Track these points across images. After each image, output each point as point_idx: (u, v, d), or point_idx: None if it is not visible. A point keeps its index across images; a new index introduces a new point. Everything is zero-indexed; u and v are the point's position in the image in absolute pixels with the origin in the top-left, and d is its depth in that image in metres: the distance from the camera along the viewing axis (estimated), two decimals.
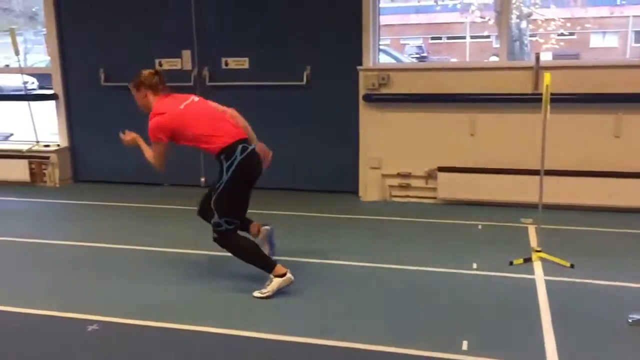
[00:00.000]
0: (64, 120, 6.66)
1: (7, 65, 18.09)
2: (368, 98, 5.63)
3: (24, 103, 6.84)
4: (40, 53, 16.79)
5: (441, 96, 5.51)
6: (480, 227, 4.91)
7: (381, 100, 5.63)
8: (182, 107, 3.62)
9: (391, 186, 5.79)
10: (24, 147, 6.71)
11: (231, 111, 3.82)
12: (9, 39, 6.64)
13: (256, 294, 3.50)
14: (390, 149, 5.71)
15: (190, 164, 6.35)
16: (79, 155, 6.76)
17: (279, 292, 3.53)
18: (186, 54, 6.17)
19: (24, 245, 4.63)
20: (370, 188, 5.83)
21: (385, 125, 5.67)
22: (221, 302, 3.53)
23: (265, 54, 6.00)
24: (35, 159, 6.61)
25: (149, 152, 3.73)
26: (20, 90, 13.70)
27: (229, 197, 3.53)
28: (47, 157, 6.59)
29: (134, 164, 6.49)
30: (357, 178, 5.90)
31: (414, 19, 17.12)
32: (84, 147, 6.73)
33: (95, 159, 6.69)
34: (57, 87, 6.62)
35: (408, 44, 17.89)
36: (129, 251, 4.44)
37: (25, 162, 6.59)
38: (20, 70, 6.93)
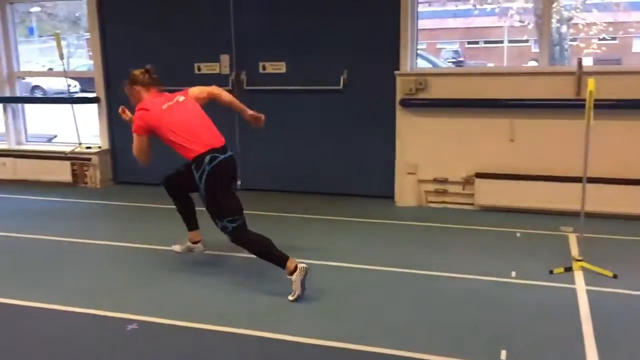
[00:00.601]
0: (105, 122, 6.81)
1: (51, 69, 18.62)
2: (405, 103, 5.61)
3: (67, 106, 7.01)
4: (82, 57, 17.25)
5: (480, 101, 5.44)
6: (518, 234, 4.82)
7: (418, 105, 5.59)
8: (164, 107, 3.78)
9: (427, 192, 5.75)
10: (67, 149, 6.89)
11: (213, 89, 4.11)
12: (53, 43, 6.83)
13: (290, 297, 3.53)
14: (426, 154, 5.67)
15: None
16: (119, 157, 6.90)
17: (317, 297, 3.54)
18: (224, 58, 6.24)
19: (66, 244, 4.74)
20: (405, 193, 5.79)
21: (422, 130, 5.63)
22: (261, 305, 3.55)
23: (302, 58, 6.03)
24: (78, 161, 6.77)
25: (135, 149, 3.88)
26: (64, 93, 14.12)
27: (214, 201, 3.67)
28: (89, 159, 6.75)
29: (172, 167, 6.62)
30: (393, 183, 5.87)
31: (450, 23, 16.96)
32: (124, 149, 6.86)
33: (134, 161, 6.78)
34: (99, 91, 6.78)
35: (444, 48, 17.72)
36: (167, 252, 4.51)
37: (67, 163, 6.77)
38: (65, 74, 7.11)
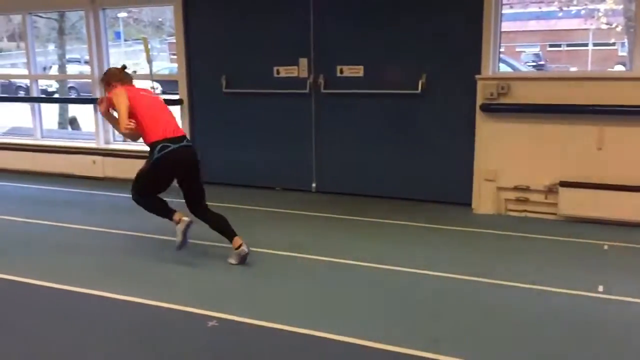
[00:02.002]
0: (187, 124, 7.04)
1: (135, 72, 19.40)
2: (486, 108, 5.46)
3: None
4: (163, 60, 17.93)
5: (565, 107, 5.22)
6: (606, 247, 4.59)
7: (500, 110, 5.43)
8: (141, 93, 4.25)
9: (507, 199, 5.58)
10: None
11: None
12: (138, 47, 7.10)
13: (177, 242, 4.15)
14: (507, 160, 5.50)
15: (302, 169, 6.51)
16: (200, 158, 7.09)
17: (395, 305, 3.51)
18: (303, 61, 6.31)
19: (151, 240, 4.93)
20: (484, 200, 5.64)
21: (503, 136, 5.47)
22: (335, 308, 3.57)
23: (380, 62, 6.01)
24: None
25: (120, 121, 4.13)
26: None
27: (144, 178, 4.17)
28: None
29: (249, 168, 6.79)
30: (471, 189, 5.73)
31: (531, 25, 16.41)
32: (204, 150, 7.07)
33: (214, 162, 7.00)
34: (182, 93, 7.01)
35: (524, 52, 17.17)
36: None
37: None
38: (151, 77, 7.40)
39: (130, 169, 7.04)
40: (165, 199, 4.36)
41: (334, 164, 6.39)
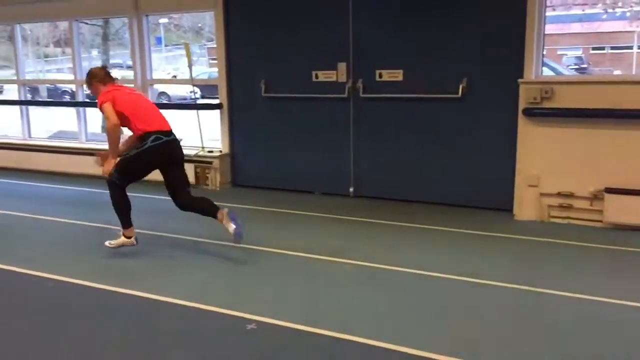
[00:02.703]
0: (226, 128, 7.12)
1: (175, 76, 19.78)
2: (529, 112, 5.35)
3: (190, 111, 7.38)
4: (202, 65, 18.21)
5: (611, 111, 5.08)
6: None
7: (543, 114, 5.32)
8: (127, 91, 4.52)
9: (550, 206, 5.45)
10: (191, 152, 7.27)
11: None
12: (178, 52, 7.20)
13: (107, 243, 4.47)
14: (550, 166, 5.38)
15: (340, 173, 6.50)
16: (237, 161, 7.18)
17: (440, 313, 3.47)
18: (342, 66, 6.30)
19: (190, 243, 4.99)
20: (526, 206, 5.53)
21: (547, 141, 5.35)
22: (375, 314, 3.54)
23: (420, 66, 5.96)
24: (201, 164, 7.14)
25: (109, 120, 4.30)
26: (186, 99, 14.95)
27: (129, 165, 4.36)
28: (210, 162, 7.09)
29: (288, 172, 6.81)
30: (512, 195, 5.63)
31: (573, 27, 16.04)
32: (242, 154, 7.15)
33: (252, 165, 7.07)
34: (222, 97, 7.10)
35: (565, 55, 16.78)
36: (280, 255, 4.61)
37: (191, 166, 7.15)
38: (192, 82, 7.53)
39: None
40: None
41: (372, 169, 6.36)
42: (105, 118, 4.32)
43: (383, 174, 6.32)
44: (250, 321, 3.39)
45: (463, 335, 3.23)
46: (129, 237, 4.50)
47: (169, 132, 4.43)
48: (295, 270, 4.31)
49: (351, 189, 6.49)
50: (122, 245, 4.50)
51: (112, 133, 4.31)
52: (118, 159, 4.39)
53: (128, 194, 4.50)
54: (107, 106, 4.29)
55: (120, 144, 4.49)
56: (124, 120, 4.34)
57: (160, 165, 4.45)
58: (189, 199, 4.54)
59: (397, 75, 6.07)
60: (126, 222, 4.49)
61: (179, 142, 4.52)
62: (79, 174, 7.75)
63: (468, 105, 5.77)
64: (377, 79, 6.16)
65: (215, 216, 4.39)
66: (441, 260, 4.43)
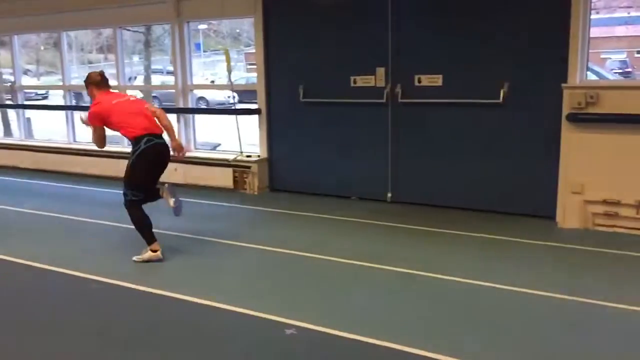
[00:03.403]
0: (265, 133, 7.17)
1: (213, 81, 19.99)
2: (573, 118, 5.24)
3: (227, 116, 7.44)
4: (240, 70, 18.42)
5: None
6: None
7: (588, 120, 5.19)
8: (114, 102, 4.69)
9: (595, 214, 5.31)
10: (230, 157, 7.36)
11: (159, 112, 4.77)
12: (216, 57, 7.30)
13: (135, 258, 4.60)
14: (595, 173, 5.24)
15: (378, 179, 6.47)
16: (275, 166, 7.23)
17: (483, 321, 3.40)
18: (380, 71, 6.29)
19: (230, 247, 5.04)
20: (569, 214, 5.40)
21: (591, 147, 5.22)
22: (412, 321, 3.51)
23: (460, 71, 5.89)
24: (239, 168, 7.21)
25: (93, 135, 4.77)
26: (224, 104, 15.12)
27: (133, 174, 4.60)
28: (249, 167, 7.15)
29: (325, 177, 6.82)
30: (555, 202, 5.51)
31: (618, 31, 15.63)
32: (280, 159, 7.19)
33: (290, 170, 7.10)
34: (260, 103, 7.15)
35: (609, 58, 16.36)
36: (320, 260, 4.62)
37: (230, 170, 7.24)
38: (231, 87, 7.62)
39: (211, 176, 7.32)
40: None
41: (410, 174, 6.32)
42: (92, 130, 4.75)
43: (421, 180, 6.27)
44: (290, 326, 3.40)
45: (505, 347, 3.17)
46: (155, 251, 4.63)
47: (159, 135, 4.69)
48: (334, 276, 4.30)
49: (389, 195, 6.46)
50: (149, 260, 4.60)
51: (96, 140, 4.79)
52: (125, 169, 4.67)
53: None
54: (94, 128, 4.72)
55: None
56: (115, 128, 4.69)
57: (155, 163, 4.70)
58: (152, 191, 4.81)
59: (437, 80, 6.01)
60: (149, 238, 4.64)
61: (166, 145, 4.77)
62: (118, 178, 7.87)
63: (509, 110, 5.68)
64: (416, 83, 6.12)
65: (160, 196, 4.77)
66: (480, 268, 4.36)
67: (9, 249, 4.96)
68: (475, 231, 5.30)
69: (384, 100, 6.27)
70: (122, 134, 4.73)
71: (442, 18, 5.94)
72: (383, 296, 3.90)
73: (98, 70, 4.96)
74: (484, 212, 5.88)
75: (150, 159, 4.61)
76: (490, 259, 4.62)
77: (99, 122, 4.67)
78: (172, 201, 4.72)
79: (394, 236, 5.29)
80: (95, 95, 4.77)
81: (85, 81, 4.88)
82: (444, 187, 6.14)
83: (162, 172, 4.81)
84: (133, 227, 4.68)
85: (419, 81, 6.11)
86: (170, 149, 4.77)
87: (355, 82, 6.44)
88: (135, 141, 4.59)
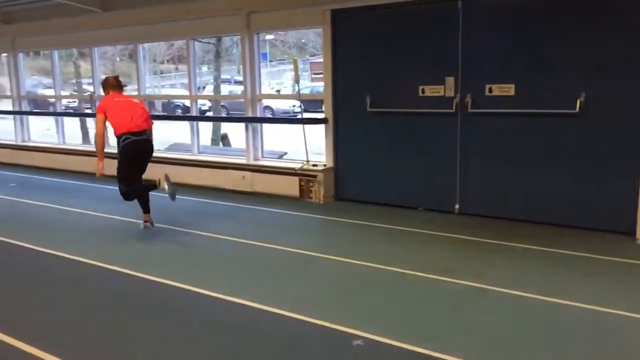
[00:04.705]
0: (331, 142, 7.19)
1: (278, 91, 20.28)
2: None
3: (292, 125, 7.49)
4: (305, 80, 18.62)
5: None
6: None
7: None
8: (115, 100, 5.62)
9: None
10: (296, 166, 7.43)
11: (149, 119, 5.72)
12: (282, 67, 7.40)
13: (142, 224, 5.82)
14: None
15: (446, 190, 6.36)
16: (341, 175, 7.23)
17: (560, 340, 3.27)
18: (449, 80, 6.19)
19: (293, 255, 5.08)
20: None
21: None
22: (486, 338, 3.41)
23: (533, 80, 5.72)
24: (305, 177, 7.27)
25: (97, 147, 5.65)
26: (288, 113, 15.28)
27: (120, 168, 5.53)
28: (315, 176, 7.19)
29: (391, 187, 6.77)
30: (635, 217, 5.24)
31: None
32: (346, 168, 7.19)
33: (356, 180, 7.09)
34: (327, 112, 7.19)
35: None
36: (386, 272, 4.57)
37: (296, 179, 7.30)
38: (298, 97, 7.70)
39: (277, 185, 7.42)
40: None
41: (480, 186, 6.18)
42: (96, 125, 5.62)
43: (491, 192, 6.11)
44: (357, 337, 3.38)
45: None
46: (146, 221, 5.80)
47: (138, 133, 5.50)
48: (404, 289, 4.25)
49: (457, 206, 6.34)
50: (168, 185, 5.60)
51: (97, 139, 5.60)
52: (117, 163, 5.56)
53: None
54: (98, 116, 5.56)
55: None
56: (110, 121, 5.56)
57: (134, 156, 5.52)
58: (137, 182, 5.64)
59: (509, 89, 5.86)
60: (145, 209, 5.78)
61: (145, 140, 5.57)
62: (197, 185, 8.08)
63: (586, 121, 5.47)
64: (487, 93, 5.99)
65: (157, 187, 5.61)
66: (559, 285, 4.20)
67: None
68: (549, 246, 5.11)
69: (453, 110, 6.17)
70: (113, 129, 5.55)
71: (515, 25, 5.79)
72: (454, 311, 3.82)
73: (113, 74, 6.12)
74: (557, 227, 5.66)
75: (128, 155, 5.46)
76: (566, 275, 4.44)
77: (100, 111, 5.52)
78: (166, 188, 5.54)
79: (463, 249, 5.18)
80: (108, 92, 5.73)
81: (103, 82, 5.88)
82: (515, 199, 5.96)
83: (143, 163, 5.63)
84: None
85: (490, 90, 5.98)
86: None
87: (423, 91, 6.37)
88: (118, 139, 5.50)
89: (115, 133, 5.53)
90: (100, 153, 5.58)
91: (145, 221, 5.82)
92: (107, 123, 5.57)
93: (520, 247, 5.15)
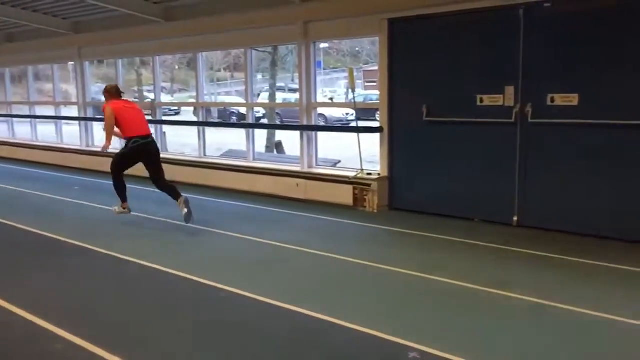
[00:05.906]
0: (386, 151, 7.16)
1: (331, 99, 20.30)
2: None
3: (346, 134, 7.50)
4: (358, 88, 18.64)
5: None
6: None
7: None
8: (125, 106, 6.37)
9: None
10: (350, 174, 7.42)
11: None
12: (335, 75, 7.43)
13: (113, 208, 6.67)
14: None
15: (503, 201, 6.21)
16: (396, 185, 7.18)
17: None
18: (509, 89, 6.06)
19: (346, 263, 5.06)
20: None
21: None
22: (544, 357, 3.30)
23: (598, 89, 5.53)
24: (359, 186, 7.25)
25: (106, 127, 6.33)
26: (341, 121, 15.25)
27: (119, 159, 6.44)
28: (369, 185, 7.17)
29: (447, 197, 6.67)
30: None
31: None
32: (401, 178, 7.14)
33: (410, 189, 7.02)
34: (382, 121, 7.16)
35: None
36: (441, 284, 4.50)
37: (350, 187, 7.30)
38: (354, 105, 7.71)
39: (331, 193, 7.43)
40: None
41: (539, 198, 6.00)
42: (106, 118, 6.26)
43: (551, 204, 5.93)
44: (412, 350, 3.34)
45: None
46: (125, 209, 6.58)
47: (146, 137, 6.35)
48: (460, 302, 4.16)
49: (515, 218, 6.18)
50: (122, 213, 6.54)
51: (108, 129, 6.27)
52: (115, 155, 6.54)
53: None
54: (108, 110, 6.25)
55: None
56: (118, 125, 6.28)
57: (140, 159, 6.41)
58: (163, 184, 6.44)
59: (572, 99, 5.69)
60: (123, 199, 6.56)
61: (152, 144, 6.40)
62: (251, 192, 8.22)
63: None
64: (549, 103, 5.83)
65: (177, 199, 6.22)
66: (617, 301, 4.02)
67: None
68: (614, 262, 4.91)
69: (512, 120, 6.03)
70: (121, 130, 6.30)
71: (579, 33, 5.62)
72: (511, 327, 3.72)
73: (113, 83, 7.39)
74: (620, 242, 5.44)
75: (134, 154, 6.31)
76: (630, 291, 4.25)
77: (111, 114, 6.20)
78: (184, 212, 6.08)
79: (521, 263, 5.04)
80: (109, 99, 6.42)
81: (105, 89, 6.60)
82: (577, 212, 5.76)
83: (156, 165, 6.40)
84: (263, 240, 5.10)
85: (552, 100, 5.82)
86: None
87: (481, 101, 6.26)
88: (127, 141, 6.31)
89: (124, 135, 6.36)
90: (109, 135, 6.28)
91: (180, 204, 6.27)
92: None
93: (583, 262, 4.96)
